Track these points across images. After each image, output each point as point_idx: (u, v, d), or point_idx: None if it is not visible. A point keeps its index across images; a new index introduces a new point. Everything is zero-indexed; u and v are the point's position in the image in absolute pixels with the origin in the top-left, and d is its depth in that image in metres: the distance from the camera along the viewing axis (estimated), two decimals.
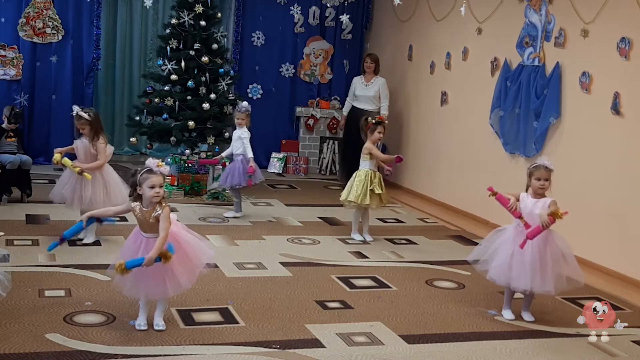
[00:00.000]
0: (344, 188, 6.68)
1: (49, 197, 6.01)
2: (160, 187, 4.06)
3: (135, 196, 4.12)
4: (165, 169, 4.10)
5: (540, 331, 4.60)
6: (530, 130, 6.92)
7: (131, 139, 8.58)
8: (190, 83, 8.10)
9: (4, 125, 7.20)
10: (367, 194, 6.42)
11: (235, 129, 7.19)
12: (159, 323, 4.18)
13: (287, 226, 7.00)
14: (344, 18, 7.94)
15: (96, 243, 5.84)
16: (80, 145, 5.82)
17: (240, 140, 7.01)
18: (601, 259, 6.02)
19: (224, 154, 7.27)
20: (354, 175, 6.61)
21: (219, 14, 8.59)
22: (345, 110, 9.12)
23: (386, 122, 8.60)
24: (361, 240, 6.54)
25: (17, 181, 7.04)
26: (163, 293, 4.16)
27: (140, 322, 4.18)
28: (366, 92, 8.82)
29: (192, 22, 8.19)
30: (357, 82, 8.96)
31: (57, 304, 4.43)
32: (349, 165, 8.03)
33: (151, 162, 4.08)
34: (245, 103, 7.19)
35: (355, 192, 6.45)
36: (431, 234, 7.11)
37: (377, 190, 6.45)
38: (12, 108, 7.32)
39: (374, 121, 6.59)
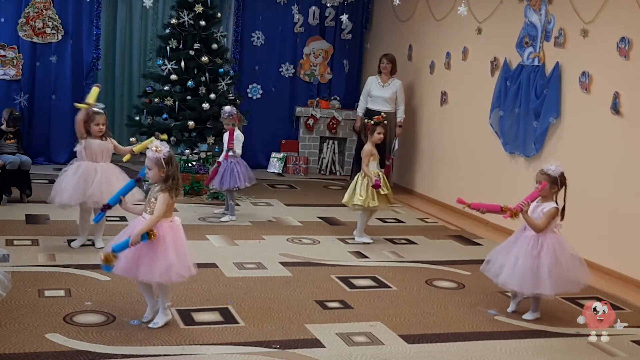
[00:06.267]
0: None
1: (52, 202, 5.75)
2: None
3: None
4: None
5: (540, 331, 4.60)
6: (530, 130, 6.93)
7: (131, 139, 8.56)
8: (190, 83, 8.11)
9: (2, 127, 7.20)
10: (374, 195, 6.35)
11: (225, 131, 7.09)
12: (157, 321, 4.19)
13: (287, 226, 7.00)
14: (344, 18, 7.95)
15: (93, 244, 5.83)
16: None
17: (234, 143, 6.91)
18: (601, 259, 6.01)
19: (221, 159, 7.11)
20: (355, 177, 6.55)
21: (219, 14, 8.60)
22: (360, 110, 8.90)
23: (401, 122, 8.66)
24: (365, 242, 6.50)
25: (17, 181, 7.04)
26: (150, 274, 4.08)
27: (147, 315, 4.24)
28: (383, 93, 8.67)
29: (191, 22, 8.19)
30: (373, 82, 8.78)
31: (57, 304, 4.43)
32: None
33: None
34: (226, 107, 7.04)
35: (359, 196, 6.37)
36: (431, 234, 7.10)
37: (383, 191, 6.40)
38: (11, 111, 7.31)
39: (372, 122, 6.54)
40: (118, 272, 4.16)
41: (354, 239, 6.57)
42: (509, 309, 4.90)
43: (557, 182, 4.67)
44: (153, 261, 4.05)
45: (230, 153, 6.87)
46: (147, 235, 4.00)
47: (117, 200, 4.27)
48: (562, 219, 4.72)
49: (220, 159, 6.96)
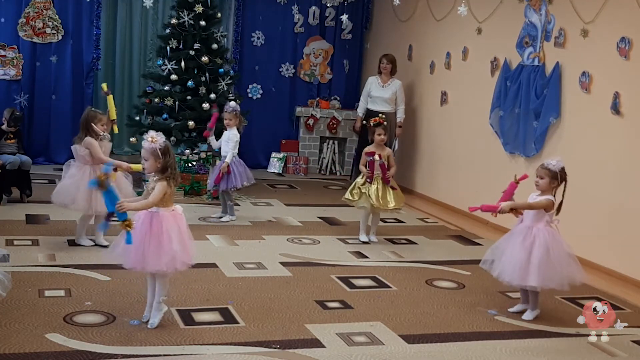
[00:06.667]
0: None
1: (51, 200, 5.77)
2: None
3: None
4: None
5: (540, 331, 4.60)
6: (530, 130, 6.93)
7: (131, 139, 8.58)
8: (190, 83, 8.10)
9: (3, 127, 7.20)
10: (352, 192, 6.48)
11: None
12: (154, 321, 4.19)
13: (287, 226, 7.00)
14: (344, 18, 7.95)
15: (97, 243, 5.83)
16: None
17: (228, 143, 6.86)
18: (601, 259, 6.02)
19: (214, 143, 7.08)
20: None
21: (219, 14, 8.60)
22: (361, 110, 8.91)
23: (401, 122, 8.67)
24: (364, 241, 6.52)
25: (17, 181, 7.04)
26: (158, 265, 4.09)
27: (146, 314, 4.26)
28: (382, 94, 8.68)
29: (192, 22, 8.19)
30: (373, 83, 8.79)
31: (57, 304, 4.43)
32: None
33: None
34: (232, 103, 7.06)
35: (348, 192, 6.56)
36: (431, 234, 7.10)
37: (364, 190, 6.45)
38: (13, 111, 7.31)
39: (371, 124, 6.58)
40: (127, 266, 4.18)
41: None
42: (512, 309, 4.89)
43: (557, 177, 4.68)
44: (159, 251, 4.07)
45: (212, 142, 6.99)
46: (125, 219, 3.94)
47: (112, 206, 4.07)
48: (557, 213, 4.73)
49: (228, 159, 6.84)
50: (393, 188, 6.46)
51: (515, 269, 4.62)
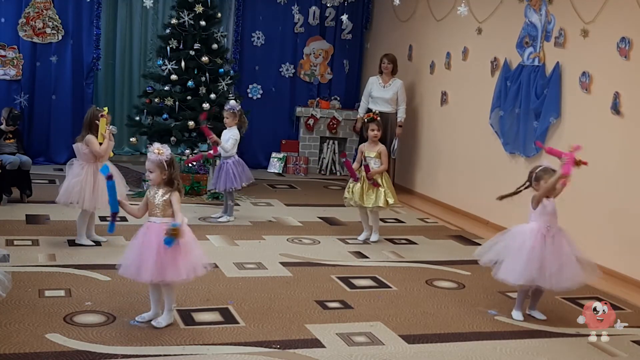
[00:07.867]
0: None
1: (57, 201, 5.78)
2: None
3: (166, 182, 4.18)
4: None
5: (540, 331, 4.60)
6: (530, 130, 6.93)
7: (131, 139, 8.59)
8: (190, 83, 8.11)
9: (2, 127, 7.20)
10: (347, 190, 6.56)
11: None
12: (161, 321, 4.20)
13: (287, 226, 7.00)
14: (344, 18, 7.96)
15: (96, 243, 5.83)
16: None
17: (228, 141, 6.84)
18: (601, 259, 5.99)
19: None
20: None
21: (219, 14, 8.60)
22: (362, 111, 8.90)
23: (402, 122, 8.66)
24: (363, 240, 6.55)
25: (17, 181, 7.04)
26: (177, 274, 4.10)
27: (145, 316, 4.26)
28: (383, 94, 8.68)
29: (192, 22, 8.20)
30: (374, 83, 8.80)
31: (57, 304, 4.43)
32: None
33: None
34: (232, 102, 7.03)
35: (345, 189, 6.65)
36: (431, 234, 7.10)
37: (351, 186, 6.53)
38: (10, 110, 7.31)
39: (365, 119, 6.60)
40: (144, 280, 4.14)
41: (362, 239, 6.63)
42: (518, 318, 4.81)
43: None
44: (177, 261, 4.06)
45: (219, 150, 6.88)
46: (172, 239, 4.00)
47: (117, 204, 4.22)
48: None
49: (219, 148, 6.90)
50: (375, 185, 6.37)
51: (516, 268, 4.60)
